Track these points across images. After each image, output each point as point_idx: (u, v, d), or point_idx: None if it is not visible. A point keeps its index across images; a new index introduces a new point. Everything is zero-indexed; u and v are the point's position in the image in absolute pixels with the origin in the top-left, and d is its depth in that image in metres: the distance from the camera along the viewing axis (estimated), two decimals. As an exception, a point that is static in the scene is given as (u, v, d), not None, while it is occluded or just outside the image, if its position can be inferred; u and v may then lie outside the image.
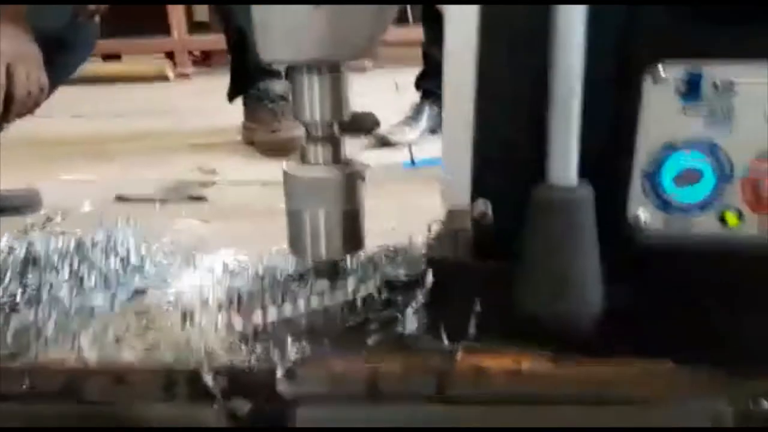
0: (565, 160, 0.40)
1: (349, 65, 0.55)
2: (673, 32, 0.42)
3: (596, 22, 0.42)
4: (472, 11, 0.45)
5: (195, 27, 3.60)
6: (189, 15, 3.56)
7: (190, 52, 3.60)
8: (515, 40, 0.44)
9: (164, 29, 3.44)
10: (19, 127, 1.10)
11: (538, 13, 0.42)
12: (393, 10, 0.55)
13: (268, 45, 0.52)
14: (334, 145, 0.57)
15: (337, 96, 0.55)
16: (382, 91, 1.99)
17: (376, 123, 1.87)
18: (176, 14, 3.42)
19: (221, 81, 1.97)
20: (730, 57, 0.42)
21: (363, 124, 1.85)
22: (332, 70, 0.54)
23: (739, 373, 0.47)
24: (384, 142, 1.71)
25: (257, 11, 0.52)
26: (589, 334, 0.44)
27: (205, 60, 3.79)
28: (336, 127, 0.57)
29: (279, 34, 0.51)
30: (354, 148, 1.63)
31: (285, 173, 0.57)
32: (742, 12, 0.41)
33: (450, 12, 0.46)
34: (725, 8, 0.41)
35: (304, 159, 0.57)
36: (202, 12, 3.70)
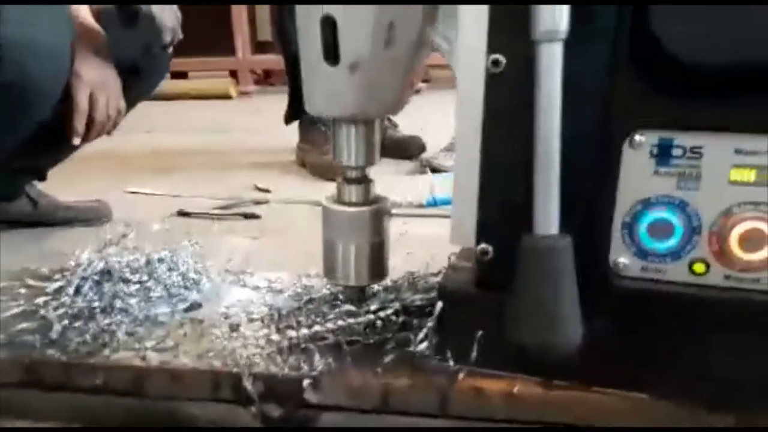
0: (546, 213, 0.47)
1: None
2: (648, 104, 0.49)
3: (582, 93, 0.49)
4: (481, 76, 0.53)
5: (258, 47, 3.77)
6: (253, 35, 3.73)
7: (253, 71, 3.75)
8: (515, 106, 0.52)
9: (229, 49, 3.61)
10: (91, 142, 1.21)
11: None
12: (420, 70, 0.63)
13: (313, 101, 0.62)
14: (366, 185, 0.66)
15: (369, 145, 0.64)
16: (433, 114, 2.06)
17: (422, 147, 1.93)
18: (241, 34, 3.59)
19: (280, 100, 2.07)
20: (699, 127, 0.49)
21: (409, 149, 1.91)
22: (366, 124, 0.63)
23: (709, 407, 0.53)
24: (429, 167, 1.73)
25: (305, 70, 0.61)
26: (569, 364, 0.51)
27: (266, 79, 3.96)
28: (367, 171, 0.65)
29: (322, 93, 0.60)
30: (398, 172, 1.72)
31: (323, 207, 0.66)
32: (710, 87, 0.48)
33: (461, 74, 0.54)
34: (696, 84, 0.48)
35: (339, 196, 0.66)
36: (265, 32, 3.87)
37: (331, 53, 0.57)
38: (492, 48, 0.51)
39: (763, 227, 0.48)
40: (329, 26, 0.57)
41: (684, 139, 0.49)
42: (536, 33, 0.45)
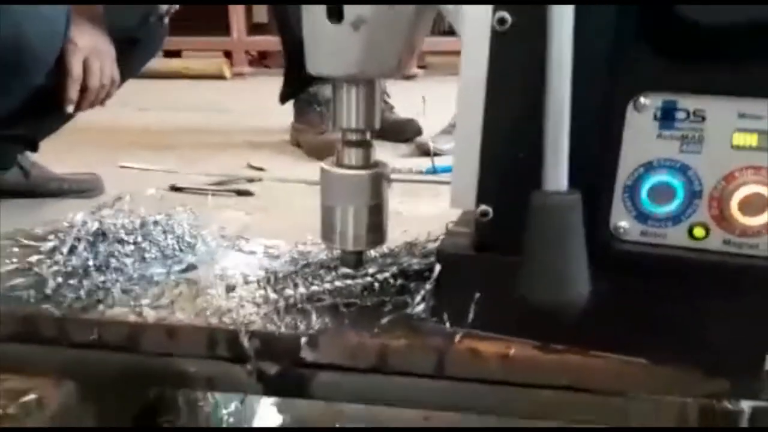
0: (556, 170, 0.46)
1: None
2: (653, 67, 0.49)
3: (589, 55, 0.49)
4: (486, 35, 0.52)
5: (253, 28, 3.75)
6: (248, 16, 3.71)
7: (247, 52, 3.74)
8: (520, 66, 0.52)
9: (224, 29, 3.60)
10: (83, 115, 1.20)
11: (541, 42, 0.50)
12: (422, 36, 0.63)
13: (314, 60, 0.61)
14: (366, 149, 0.65)
15: (370, 107, 0.63)
16: (430, 99, 2.06)
17: (419, 131, 1.93)
18: (236, 15, 3.57)
19: (275, 81, 2.06)
20: (702, 90, 0.49)
21: (405, 132, 1.91)
22: (367, 85, 0.62)
23: (704, 373, 0.53)
24: (425, 150, 1.73)
25: (307, 29, 0.60)
26: (575, 326, 0.51)
27: (261, 60, 3.94)
28: (368, 134, 0.65)
29: (323, 52, 0.60)
30: (394, 155, 1.72)
31: (322, 170, 0.66)
32: (715, 50, 0.48)
33: (466, 33, 0.54)
34: (701, 47, 0.48)
35: (339, 160, 0.66)
36: (261, 14, 3.85)
37: (335, 11, 0.57)
38: (497, 5, 0.51)
39: (764, 192, 0.49)
40: (333, -17, 0.56)
41: (688, 102, 0.50)
42: None
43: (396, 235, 0.72)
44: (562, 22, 0.45)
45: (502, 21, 0.51)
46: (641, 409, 0.55)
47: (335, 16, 0.56)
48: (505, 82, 0.53)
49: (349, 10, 0.56)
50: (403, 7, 0.56)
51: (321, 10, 0.57)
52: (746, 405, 0.53)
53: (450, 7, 0.56)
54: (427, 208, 1.23)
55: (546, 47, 0.46)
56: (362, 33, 0.56)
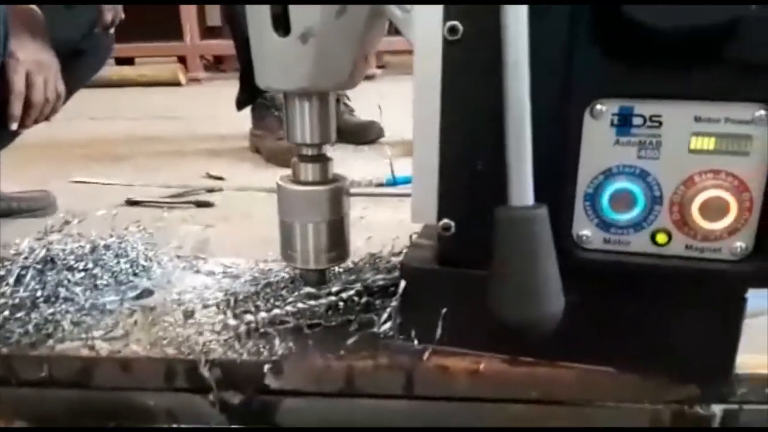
0: (521, 184, 0.45)
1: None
2: (608, 73, 0.48)
3: (542, 63, 0.48)
4: (438, 45, 0.51)
5: (207, 32, 3.68)
6: (201, 20, 3.65)
7: (202, 57, 3.67)
8: (474, 75, 0.51)
9: (177, 34, 3.52)
10: (31, 130, 1.16)
11: (493, 50, 0.49)
12: (375, 44, 0.61)
13: (263, 74, 0.59)
14: (323, 163, 0.64)
15: (324, 120, 0.61)
16: (389, 99, 2.05)
17: (380, 132, 1.92)
18: (189, 19, 3.50)
19: (231, 86, 2.02)
20: (658, 95, 0.48)
21: (367, 134, 1.90)
22: (320, 98, 0.60)
23: (673, 379, 0.53)
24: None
25: (254, 42, 0.58)
26: (533, 339, 0.50)
27: (216, 64, 3.87)
28: (324, 148, 0.63)
29: (272, 66, 0.58)
30: (355, 158, 1.70)
31: (278, 186, 0.64)
32: (669, 54, 0.47)
33: (418, 44, 0.52)
34: (655, 51, 0.47)
35: (295, 175, 0.64)
36: (214, 17, 3.78)
37: (281, 23, 0.55)
38: (448, 15, 0.50)
39: (724, 195, 0.48)
40: (278, -6, 0.54)
41: (644, 108, 0.49)
42: None
43: (360, 244, 0.70)
44: (517, 24, 0.43)
45: (453, 30, 0.50)
46: (613, 418, 0.55)
47: (282, 28, 0.54)
48: (459, 91, 0.51)
49: (297, 23, 0.54)
50: (352, 17, 0.54)
51: (267, 22, 0.55)
52: (717, 409, 0.53)
53: (400, 15, 0.54)
54: (389, 213, 1.22)
55: (501, 56, 0.44)
56: (311, 45, 0.54)
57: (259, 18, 0.55)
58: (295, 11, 0.53)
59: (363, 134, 1.89)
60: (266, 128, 1.81)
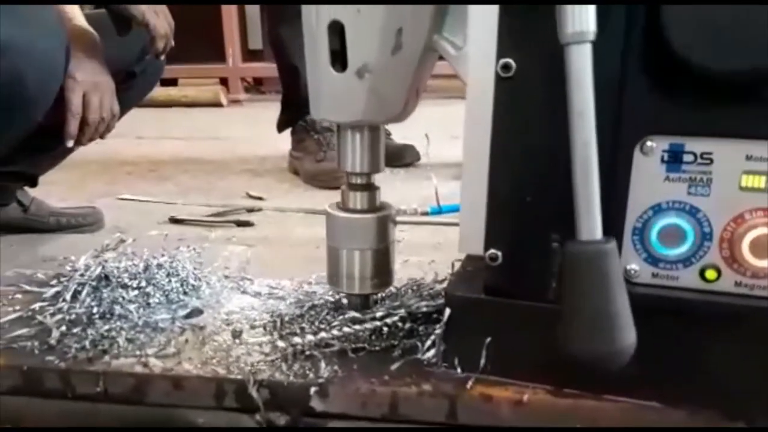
0: (589, 218, 0.46)
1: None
2: (659, 110, 0.49)
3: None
4: (490, 81, 0.53)
5: (249, 54, 3.77)
6: (244, 43, 3.73)
7: (243, 79, 3.75)
8: (526, 111, 0.52)
9: (220, 56, 3.61)
10: (80, 148, 1.20)
11: (546, 87, 0.50)
12: (425, 80, 0.63)
13: (318, 106, 0.61)
14: (371, 192, 0.65)
15: (375, 151, 0.63)
16: (426, 122, 2.07)
17: (417, 156, 1.93)
18: (232, 42, 3.59)
19: (271, 108, 2.06)
20: (709, 133, 0.49)
21: (403, 157, 1.91)
22: (372, 130, 0.62)
23: (719, 417, 0.53)
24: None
25: (311, 76, 0.60)
26: (579, 372, 0.51)
27: (256, 86, 3.95)
28: (373, 177, 0.65)
29: (328, 99, 0.60)
30: (393, 180, 1.72)
31: (327, 214, 0.66)
32: (721, 93, 0.48)
33: (470, 80, 0.54)
34: (707, 90, 0.48)
35: (344, 203, 0.66)
36: (256, 40, 3.87)
37: (339, 59, 0.57)
38: (502, 52, 0.51)
39: (774, 233, 0.48)
40: (337, 32, 0.56)
41: (695, 145, 0.50)
42: (564, 35, 0.44)
43: (398, 265, 0.71)
44: (582, 62, 0.44)
45: (506, 67, 0.51)
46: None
47: (340, 64, 0.56)
48: (510, 126, 0.53)
49: (354, 59, 0.56)
50: (407, 54, 0.56)
51: (325, 57, 0.57)
52: (764, 448, 0.52)
53: (453, 52, 0.56)
54: (426, 236, 1.23)
55: (565, 96, 0.45)
56: (367, 81, 0.56)
57: (317, 53, 0.58)
58: (352, 48, 0.55)
59: (400, 157, 1.90)
60: (305, 150, 1.84)
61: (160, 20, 1.20)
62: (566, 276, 0.46)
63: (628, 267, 0.53)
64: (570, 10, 0.44)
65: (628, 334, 0.45)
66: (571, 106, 0.45)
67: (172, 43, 1.28)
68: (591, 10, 0.43)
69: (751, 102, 0.47)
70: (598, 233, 0.45)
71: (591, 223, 0.45)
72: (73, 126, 1.08)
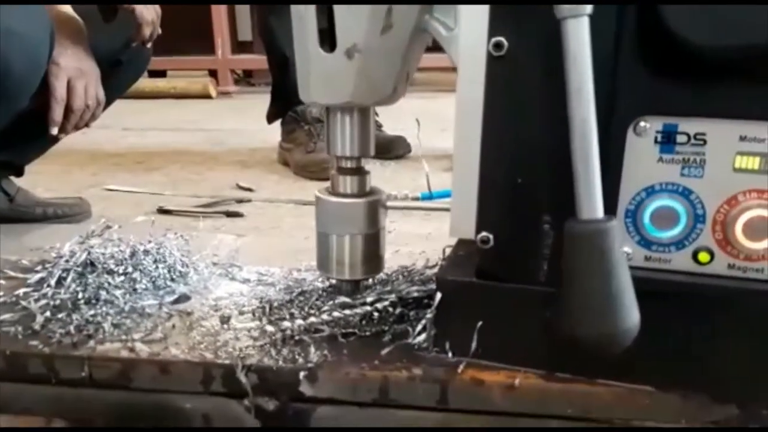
0: (590, 196, 0.45)
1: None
2: (653, 90, 0.48)
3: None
4: (482, 61, 0.52)
5: (238, 46, 3.75)
6: (233, 35, 3.71)
7: (232, 71, 3.73)
8: (518, 90, 0.51)
9: (209, 48, 3.59)
10: (67, 138, 1.18)
11: (538, 66, 0.50)
12: (416, 62, 0.62)
13: (307, 88, 0.60)
14: (361, 176, 0.64)
15: (364, 134, 0.62)
16: (416, 115, 2.07)
17: (408, 147, 1.93)
18: (221, 34, 3.57)
19: (261, 99, 2.04)
20: (703, 114, 0.48)
21: (394, 149, 1.91)
22: (362, 112, 0.61)
23: (712, 399, 0.52)
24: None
25: (299, 57, 0.59)
26: (570, 355, 0.50)
27: (246, 78, 3.93)
28: (362, 161, 0.64)
29: (317, 80, 0.59)
30: (383, 172, 1.71)
31: (317, 198, 0.65)
32: (715, 73, 0.47)
33: (462, 60, 0.53)
34: (701, 70, 0.47)
35: (333, 188, 0.65)
36: (245, 32, 3.85)
37: (327, 39, 0.56)
38: (493, 31, 0.51)
39: (768, 215, 0.48)
40: (325, 10, 0.55)
41: (688, 126, 0.49)
42: (561, 10, 0.44)
43: (388, 255, 0.70)
44: (579, 37, 0.44)
45: (498, 45, 0.51)
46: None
47: (328, 44, 0.56)
48: (502, 107, 0.52)
49: (342, 39, 0.55)
50: (396, 34, 0.55)
51: (314, 37, 0.56)
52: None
53: (444, 33, 0.55)
54: (416, 226, 1.23)
55: (564, 70, 0.45)
56: (356, 61, 0.55)
57: (305, 33, 0.57)
58: (341, 27, 0.54)
59: (390, 149, 1.90)
60: (295, 141, 1.83)
61: (147, 8, 1.18)
62: (566, 257, 0.46)
63: (622, 249, 0.52)
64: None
65: (632, 314, 0.44)
66: (569, 82, 0.45)
67: (159, 30, 1.27)
68: None
69: (745, 82, 0.47)
70: (599, 212, 0.45)
71: (591, 202, 0.45)
72: (57, 113, 1.06)
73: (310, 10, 0.56)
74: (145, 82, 3.23)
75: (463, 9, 0.51)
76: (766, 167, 0.48)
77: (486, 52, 0.51)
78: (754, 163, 0.48)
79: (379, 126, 2.00)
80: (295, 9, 0.57)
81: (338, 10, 0.55)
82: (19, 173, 1.34)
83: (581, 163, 0.45)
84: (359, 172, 0.64)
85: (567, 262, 0.46)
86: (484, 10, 0.50)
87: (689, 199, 0.50)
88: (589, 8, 0.43)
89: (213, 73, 3.63)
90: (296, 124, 1.84)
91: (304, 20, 0.56)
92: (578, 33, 0.44)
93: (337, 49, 0.56)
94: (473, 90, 0.52)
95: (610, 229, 0.44)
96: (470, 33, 0.51)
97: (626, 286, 0.44)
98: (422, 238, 1.18)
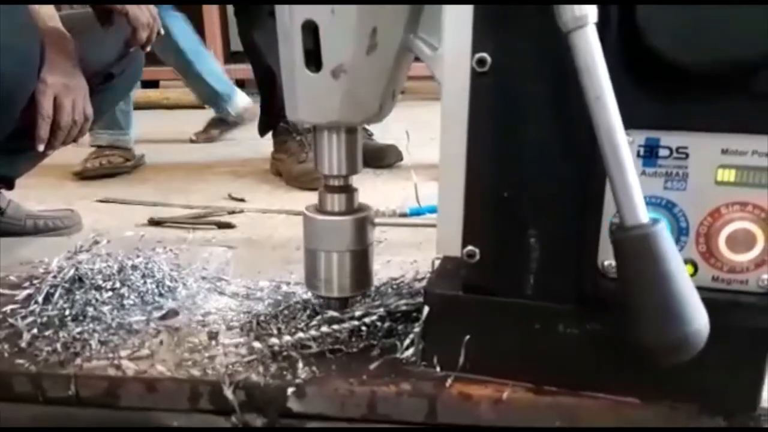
0: (630, 203, 0.44)
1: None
2: (635, 104, 0.49)
3: (568, 93, 0.49)
4: (466, 77, 0.52)
5: (231, 56, 3.74)
6: (226, 44, 3.70)
7: (225, 81, 3.71)
8: (502, 105, 0.51)
9: (201, 58, 3.57)
10: (59, 150, 1.18)
11: (522, 82, 0.50)
12: (402, 79, 0.62)
13: (294, 107, 0.60)
14: (349, 194, 0.64)
15: (352, 153, 0.62)
16: (407, 124, 2.07)
17: (399, 156, 1.93)
18: (214, 44, 3.56)
19: (253, 108, 2.04)
20: (685, 127, 0.49)
21: (385, 157, 1.91)
22: (349, 131, 0.61)
23: (698, 411, 0.53)
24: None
25: (286, 76, 0.59)
26: (558, 367, 0.50)
27: (239, 88, 3.92)
28: (350, 179, 0.64)
29: (303, 100, 0.59)
30: (375, 181, 1.71)
31: (304, 216, 0.65)
32: (697, 87, 0.48)
33: (446, 76, 0.53)
34: (683, 84, 0.48)
35: (321, 205, 0.65)
36: (238, 42, 3.83)
37: (313, 59, 0.56)
38: (477, 47, 0.51)
39: (751, 227, 0.48)
40: (311, 31, 0.55)
41: (670, 139, 0.49)
42: (565, 24, 0.44)
43: (378, 267, 0.70)
44: (590, 44, 0.44)
45: (481, 62, 0.51)
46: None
47: (314, 64, 0.56)
48: (486, 122, 0.52)
49: (328, 59, 0.55)
50: (382, 54, 0.55)
51: (300, 57, 0.56)
52: (742, 442, 0.52)
53: (428, 52, 0.55)
54: (408, 236, 1.22)
55: (579, 83, 0.45)
56: (342, 81, 0.55)
57: (291, 53, 0.57)
58: (327, 48, 0.54)
59: (382, 158, 1.90)
60: (287, 152, 1.83)
61: (141, 10, 1.17)
62: (619, 267, 0.45)
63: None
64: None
65: (698, 315, 0.43)
66: (587, 93, 0.44)
67: (162, 31, 1.26)
68: None
69: (725, 96, 0.47)
70: (642, 216, 0.44)
71: (632, 207, 0.44)
72: (44, 130, 1.05)
73: (296, 30, 0.56)
74: (137, 93, 3.21)
75: (447, 27, 0.52)
76: (748, 180, 0.48)
77: (470, 68, 0.51)
78: (736, 176, 0.49)
79: (369, 135, 2.00)
80: (282, 29, 0.58)
81: (323, 30, 0.55)
82: (10, 186, 1.33)
83: (615, 171, 0.44)
84: (347, 190, 0.64)
85: (621, 272, 0.45)
86: (467, 27, 0.51)
87: (673, 212, 0.50)
88: (593, 16, 0.44)
89: (206, 83, 3.62)
90: (288, 134, 1.84)
91: (290, 41, 0.56)
92: (586, 43, 0.44)
93: (323, 70, 0.56)
94: (458, 106, 0.52)
95: (657, 232, 0.43)
96: (454, 50, 0.52)
97: (686, 288, 0.43)
98: (414, 247, 1.18)
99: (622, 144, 0.44)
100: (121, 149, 1.98)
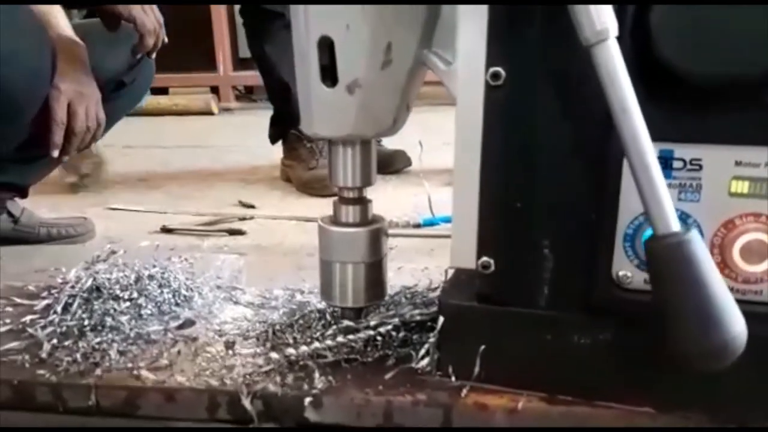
0: (661, 212, 0.45)
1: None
2: (648, 116, 0.49)
3: (583, 104, 0.50)
4: (480, 90, 0.53)
5: (240, 63, 3.76)
6: (234, 51, 3.73)
7: (234, 87, 3.74)
8: (516, 118, 0.52)
9: (210, 65, 3.61)
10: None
11: (536, 95, 0.51)
12: (415, 92, 0.63)
13: (309, 121, 0.61)
14: (363, 206, 0.65)
15: (366, 165, 0.63)
16: (417, 128, 2.07)
17: (408, 161, 1.94)
18: (222, 50, 3.58)
19: (263, 116, 2.05)
20: (698, 139, 0.49)
21: (394, 163, 1.92)
22: (363, 144, 0.62)
23: (712, 421, 0.53)
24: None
25: (301, 91, 0.60)
26: (574, 378, 0.51)
27: (248, 94, 3.95)
28: (365, 191, 0.65)
29: (319, 114, 0.59)
30: (384, 187, 1.72)
31: (319, 227, 0.65)
32: (710, 99, 0.48)
33: (460, 89, 0.54)
34: (696, 96, 0.48)
35: (336, 217, 0.65)
36: (246, 49, 3.85)
37: (329, 74, 0.57)
38: (491, 61, 0.52)
39: (765, 239, 0.49)
40: (326, 47, 0.56)
41: (684, 151, 0.50)
42: (586, 38, 0.44)
43: (390, 274, 0.71)
44: (612, 59, 0.44)
45: (495, 76, 0.52)
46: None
47: (330, 79, 0.56)
48: (500, 134, 0.53)
49: (344, 74, 0.56)
50: (396, 70, 0.56)
51: (315, 73, 0.57)
52: (757, 453, 0.52)
53: (442, 67, 0.56)
54: (420, 242, 1.23)
55: (605, 96, 0.45)
56: (357, 96, 0.56)
57: (307, 69, 0.57)
58: (342, 63, 0.55)
59: (391, 163, 1.91)
60: (297, 158, 1.84)
61: (148, 17, 1.19)
62: (652, 277, 0.46)
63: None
64: (585, 11, 0.44)
65: (735, 322, 0.44)
66: (612, 106, 0.45)
67: (165, 39, 1.27)
68: (606, 6, 0.44)
69: (739, 108, 0.48)
70: (674, 225, 0.44)
71: (663, 217, 0.45)
72: (57, 136, 1.07)
73: (312, 46, 0.57)
74: (146, 100, 3.24)
75: (461, 41, 0.52)
76: (761, 191, 0.49)
77: (484, 82, 0.52)
78: (750, 187, 0.49)
79: (378, 141, 2.01)
80: (297, 45, 0.58)
81: (339, 46, 0.56)
82: (24, 195, 1.35)
83: (645, 182, 0.45)
84: (361, 202, 0.65)
85: (656, 282, 0.46)
86: (481, 41, 0.51)
87: (687, 223, 0.51)
88: (614, 30, 0.44)
89: (215, 90, 3.64)
90: (298, 141, 1.85)
91: (306, 56, 0.57)
92: (609, 57, 0.44)
93: (338, 85, 0.56)
94: (472, 120, 0.53)
95: (690, 240, 0.44)
96: (468, 64, 0.52)
97: (723, 294, 0.44)
98: (426, 254, 1.19)
99: (650, 155, 0.45)
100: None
